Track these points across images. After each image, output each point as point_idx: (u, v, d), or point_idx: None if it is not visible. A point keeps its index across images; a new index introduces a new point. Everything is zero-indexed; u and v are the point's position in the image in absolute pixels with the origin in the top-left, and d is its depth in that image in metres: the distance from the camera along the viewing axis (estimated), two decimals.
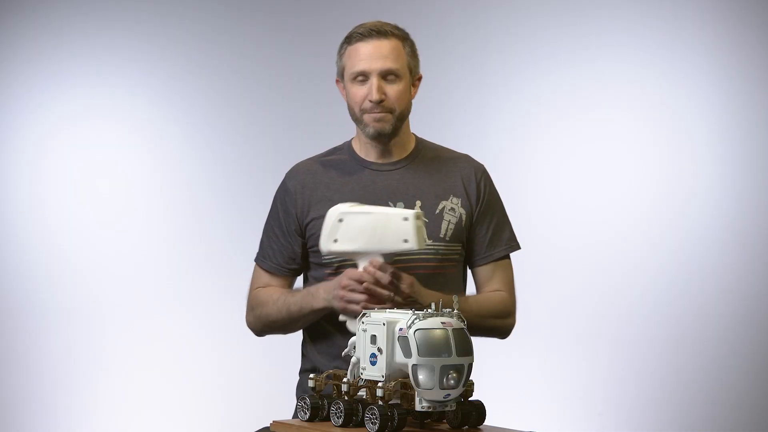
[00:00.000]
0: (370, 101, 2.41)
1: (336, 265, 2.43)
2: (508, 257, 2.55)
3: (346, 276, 2.28)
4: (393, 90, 2.43)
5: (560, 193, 4.21)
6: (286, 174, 2.55)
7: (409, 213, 2.22)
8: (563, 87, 4.22)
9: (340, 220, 2.26)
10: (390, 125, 2.44)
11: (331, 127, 3.61)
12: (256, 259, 2.55)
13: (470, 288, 2.58)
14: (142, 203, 4.27)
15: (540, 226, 4.12)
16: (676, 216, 4.15)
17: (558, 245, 4.16)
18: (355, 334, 2.04)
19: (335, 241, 2.27)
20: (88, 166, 4.25)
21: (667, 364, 4.13)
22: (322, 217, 2.37)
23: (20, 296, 4.20)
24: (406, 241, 2.22)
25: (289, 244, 2.49)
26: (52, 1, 4.27)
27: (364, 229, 2.24)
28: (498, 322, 2.49)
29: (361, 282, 2.25)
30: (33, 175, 4.25)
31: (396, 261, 2.36)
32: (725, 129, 4.15)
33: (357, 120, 2.47)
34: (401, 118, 2.46)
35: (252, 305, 2.51)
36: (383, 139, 2.47)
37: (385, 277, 2.24)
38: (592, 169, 4.21)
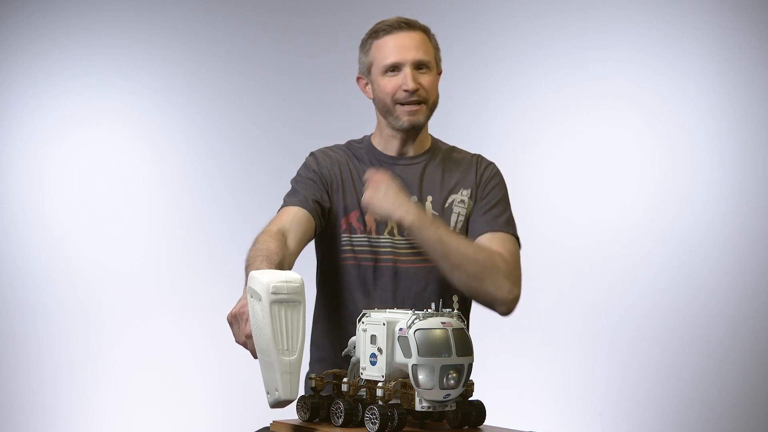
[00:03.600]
0: (405, 90, 2.41)
1: (356, 249, 2.44)
2: (511, 236, 2.46)
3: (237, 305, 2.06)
4: (426, 80, 2.44)
5: (560, 193, 4.21)
6: (314, 153, 2.52)
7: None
8: (563, 87, 4.22)
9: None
10: (424, 116, 2.46)
11: (332, 127, 3.62)
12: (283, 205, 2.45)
13: None
14: (142, 203, 4.27)
15: (540, 226, 4.12)
16: (675, 216, 4.15)
17: (558, 245, 4.16)
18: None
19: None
20: (87, 166, 4.26)
21: (667, 364, 4.13)
22: (341, 198, 2.44)
23: (20, 296, 4.20)
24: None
25: (319, 189, 2.45)
26: (53, 1, 4.27)
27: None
28: (487, 274, 2.34)
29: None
30: (33, 175, 4.25)
31: (403, 249, 2.42)
32: (725, 129, 4.16)
33: (388, 112, 2.46)
34: (432, 109, 2.48)
35: (253, 243, 2.28)
36: (412, 132, 2.47)
37: None
38: (592, 169, 4.21)
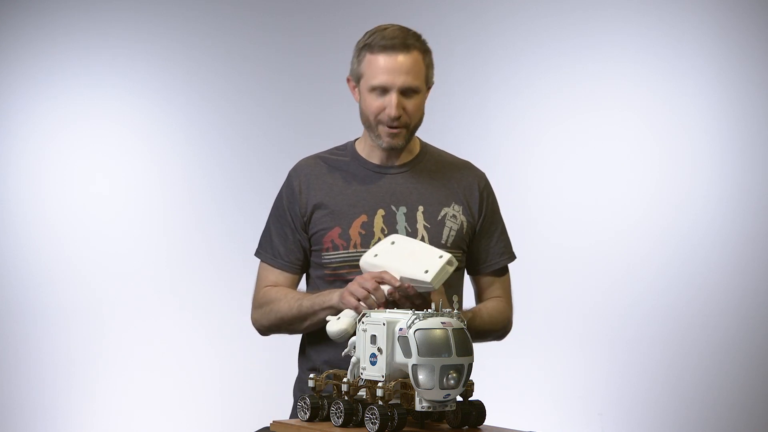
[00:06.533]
0: (389, 116, 2.40)
1: (334, 265, 2.43)
2: (507, 263, 2.56)
3: (367, 274, 2.25)
4: (411, 105, 2.41)
5: (560, 193, 4.21)
6: (291, 171, 2.53)
7: (445, 254, 2.20)
8: (563, 87, 4.22)
9: (393, 243, 2.27)
10: (404, 139, 2.44)
11: (331, 127, 3.61)
12: (262, 257, 2.52)
13: (467, 295, 2.57)
14: (142, 203, 4.27)
15: (540, 226, 4.13)
16: (675, 216, 4.15)
17: (558, 245, 4.16)
18: (330, 338, 2.13)
19: (375, 255, 2.25)
20: (87, 166, 4.26)
21: (667, 364, 4.13)
22: (324, 216, 2.42)
23: (20, 296, 4.20)
24: (426, 271, 2.18)
25: (298, 241, 2.48)
26: (53, 1, 4.27)
27: (403, 252, 2.23)
28: (500, 332, 2.54)
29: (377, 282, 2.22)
30: (33, 175, 4.25)
31: None
32: (725, 129, 4.16)
33: (370, 128, 2.45)
34: (413, 130, 2.47)
35: (260, 302, 2.48)
36: (394, 151, 2.48)
37: (411, 289, 2.23)
38: (592, 169, 4.21)
